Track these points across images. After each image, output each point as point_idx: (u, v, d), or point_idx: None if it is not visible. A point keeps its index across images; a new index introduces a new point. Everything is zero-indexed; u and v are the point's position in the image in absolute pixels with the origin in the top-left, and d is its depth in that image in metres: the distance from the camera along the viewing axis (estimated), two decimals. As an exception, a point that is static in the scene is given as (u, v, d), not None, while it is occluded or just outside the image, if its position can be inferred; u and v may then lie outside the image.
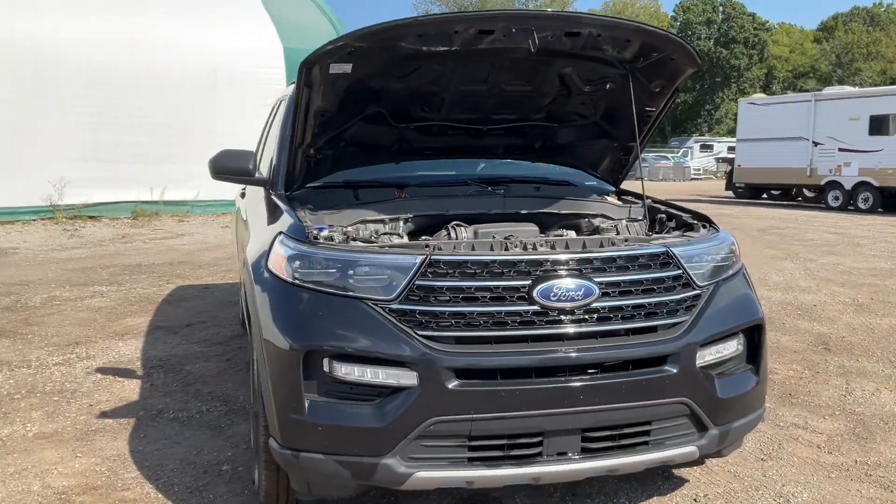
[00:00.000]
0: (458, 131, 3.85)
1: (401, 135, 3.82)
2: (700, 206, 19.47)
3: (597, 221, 3.85)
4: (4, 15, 15.39)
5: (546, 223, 3.90)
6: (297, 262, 2.95)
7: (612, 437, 2.96)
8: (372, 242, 3.21)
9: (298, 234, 3.10)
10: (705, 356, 3.07)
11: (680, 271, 3.07)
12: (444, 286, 2.84)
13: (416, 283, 2.84)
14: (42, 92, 15.40)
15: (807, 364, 5.67)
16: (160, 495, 3.53)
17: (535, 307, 2.84)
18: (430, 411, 2.78)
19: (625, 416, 2.92)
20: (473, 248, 3.02)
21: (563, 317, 2.88)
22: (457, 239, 3.37)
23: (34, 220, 16.52)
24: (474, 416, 2.79)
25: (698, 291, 3.11)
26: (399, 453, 2.80)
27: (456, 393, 2.78)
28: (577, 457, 2.93)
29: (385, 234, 3.45)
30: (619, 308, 2.94)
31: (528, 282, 2.85)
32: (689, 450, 3.06)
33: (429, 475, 2.83)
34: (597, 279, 2.92)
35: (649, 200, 4.06)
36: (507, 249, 3.03)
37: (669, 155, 45.48)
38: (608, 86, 3.68)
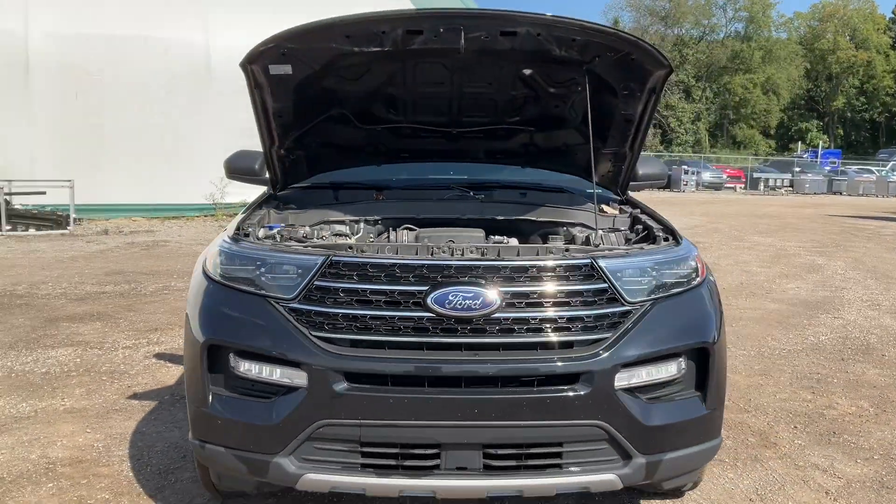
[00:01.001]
0: (439, 135, 3.80)
1: (385, 138, 3.82)
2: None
3: (574, 231, 3.66)
4: (175, 23, 16.86)
5: (525, 231, 3.76)
6: (221, 258, 3.03)
7: (517, 456, 2.81)
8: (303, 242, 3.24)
9: (236, 231, 3.20)
10: (629, 378, 2.85)
11: (605, 285, 2.87)
12: (341, 288, 2.82)
13: (316, 283, 2.84)
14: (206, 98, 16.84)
15: (878, 402, 5.08)
16: (130, 474, 3.73)
17: (430, 314, 2.76)
18: (318, 413, 2.77)
19: (530, 434, 2.77)
20: (377, 251, 2.97)
21: (459, 326, 2.77)
22: (395, 242, 3.32)
23: (197, 216, 17.93)
24: (363, 421, 2.75)
25: (627, 308, 2.89)
26: (292, 453, 2.80)
27: (344, 397, 2.75)
28: (478, 473, 2.80)
29: (336, 234, 3.46)
30: (525, 320, 2.79)
31: (425, 288, 2.77)
32: (608, 478, 2.85)
33: (319, 478, 2.82)
34: (502, 288, 2.78)
35: (637, 210, 3.82)
36: (416, 254, 2.96)
37: (874, 168, 41.60)
38: (578, 88, 3.50)
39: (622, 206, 3.95)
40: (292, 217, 3.64)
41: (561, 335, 2.81)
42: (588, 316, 2.83)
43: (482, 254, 3.03)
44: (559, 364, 2.78)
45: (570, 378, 2.78)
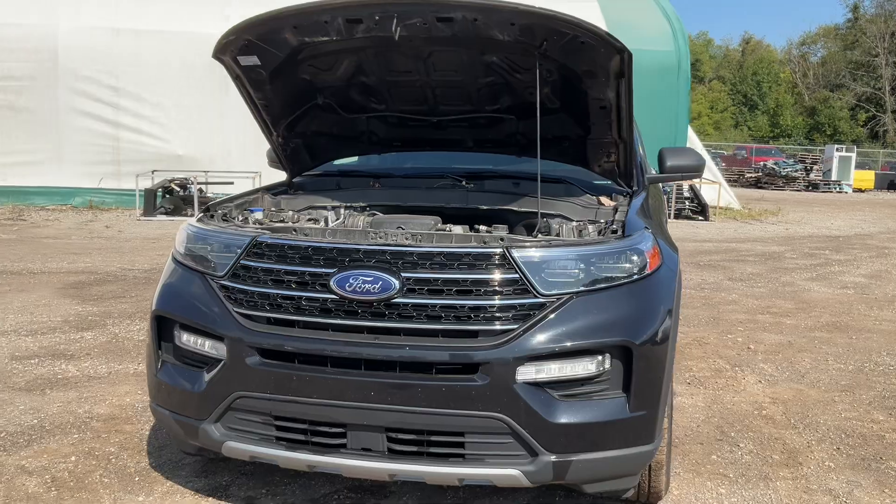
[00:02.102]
0: (424, 124, 3.83)
1: (375, 127, 3.91)
2: None
3: (554, 222, 3.56)
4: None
5: (510, 220, 3.71)
6: (181, 237, 3.27)
7: (419, 443, 2.82)
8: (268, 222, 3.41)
9: (204, 212, 3.45)
10: (536, 372, 2.76)
11: (516, 275, 2.79)
12: (261, 267, 2.96)
13: (242, 262, 3.00)
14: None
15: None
16: (146, 433, 4.10)
17: (334, 296, 2.83)
18: (235, 385, 2.94)
19: (430, 421, 2.77)
20: (296, 232, 3.07)
21: (360, 309, 2.82)
22: (351, 226, 3.40)
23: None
24: (273, 396, 2.88)
25: (540, 300, 2.79)
26: (218, 421, 2.99)
27: (257, 371, 2.89)
28: (382, 456, 2.85)
29: (311, 219, 3.60)
30: (425, 307, 2.78)
31: (332, 270, 2.85)
32: (512, 473, 2.78)
33: (239, 446, 2.98)
34: (406, 274, 2.80)
35: (624, 202, 3.64)
36: (332, 237, 3.04)
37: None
38: (545, 75, 3.39)
39: (621, 198, 3.76)
40: (284, 202, 3.82)
41: (463, 324, 2.77)
42: (492, 306, 2.77)
43: (416, 240, 3.04)
44: (457, 353, 2.75)
45: (469, 368, 2.75)
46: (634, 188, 3.93)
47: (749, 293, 8.63)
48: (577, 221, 3.51)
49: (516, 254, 2.81)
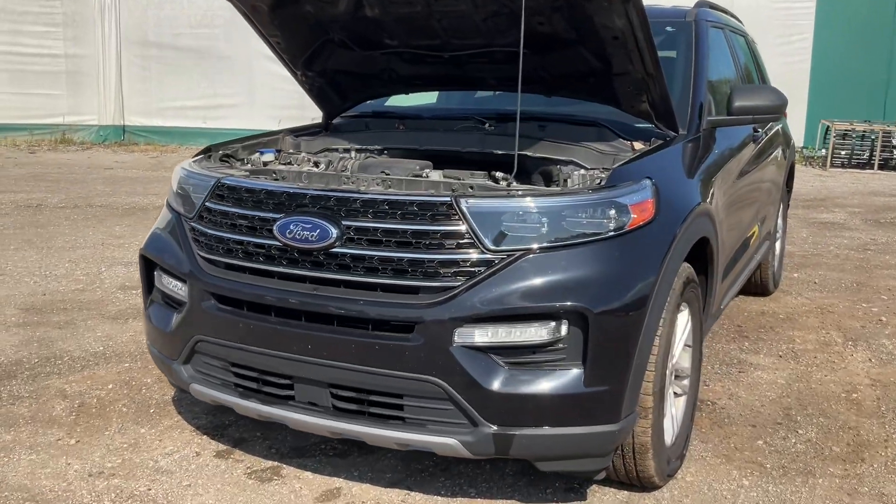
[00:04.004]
0: (440, 60, 3.54)
1: (393, 64, 3.67)
2: None
3: (566, 169, 3.20)
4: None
5: (528, 167, 3.40)
6: (174, 178, 3.28)
7: (360, 401, 2.68)
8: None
9: (202, 152, 3.43)
10: (478, 335, 2.51)
11: (462, 227, 2.53)
12: (219, 210, 2.90)
13: (206, 203, 2.96)
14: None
15: None
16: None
17: (277, 243, 2.72)
18: (196, 329, 2.94)
19: (368, 381, 2.63)
20: (255, 175, 2.97)
21: (301, 258, 2.69)
22: (338, 169, 3.25)
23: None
24: (226, 342, 2.85)
25: (487, 256, 2.52)
26: (187, 362, 3.01)
27: (212, 316, 2.87)
28: (326, 412, 2.74)
29: (315, 162, 3.47)
30: (363, 258, 2.60)
31: (279, 216, 2.73)
32: (449, 442, 2.58)
33: (202, 389, 2.99)
34: (345, 222, 2.62)
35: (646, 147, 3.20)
36: (283, 179, 2.92)
37: None
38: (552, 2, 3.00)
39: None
40: (304, 144, 3.73)
41: (402, 279, 2.57)
42: (432, 261, 2.53)
43: (362, 185, 2.86)
44: (390, 310, 2.55)
45: (404, 326, 2.54)
46: (682, 132, 3.45)
47: (919, 258, 7.54)
48: (590, 169, 3.13)
49: (465, 204, 2.54)
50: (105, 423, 3.56)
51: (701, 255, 3.20)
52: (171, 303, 3.10)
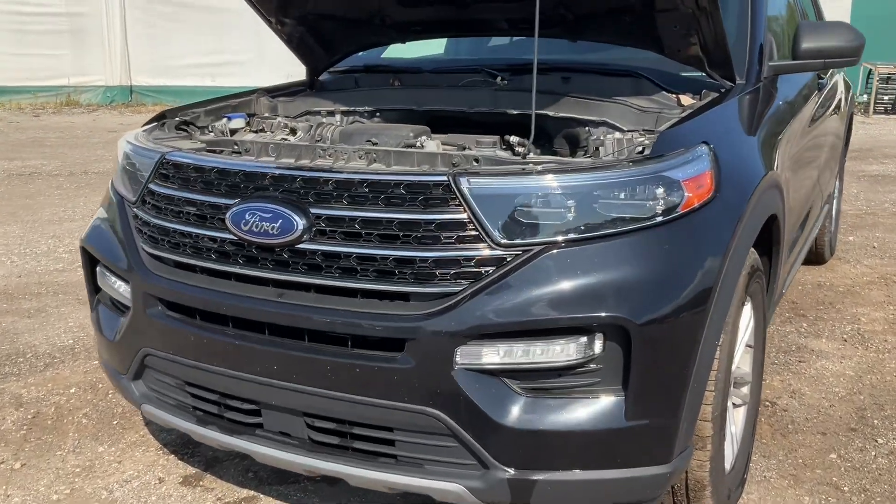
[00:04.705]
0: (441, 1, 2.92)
1: (386, 7, 3.05)
2: None
3: (597, 132, 2.58)
4: None
5: (548, 128, 2.78)
6: (119, 153, 2.70)
7: (342, 434, 2.12)
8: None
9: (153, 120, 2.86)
10: (486, 354, 1.93)
11: (464, 215, 1.93)
12: (163, 193, 2.33)
13: (150, 186, 2.39)
14: None
15: None
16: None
17: (231, 236, 2.14)
18: (141, 339, 2.40)
19: (350, 410, 2.06)
20: (212, 147, 2.39)
21: (260, 255, 2.11)
22: (321, 138, 2.65)
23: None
24: (177, 357, 2.30)
25: (499, 252, 1.93)
26: (139, 378, 2.48)
27: (159, 325, 2.32)
28: (302, 445, 2.19)
29: (290, 129, 2.86)
30: (337, 256, 2.02)
31: (233, 201, 2.15)
32: (452, 487, 2.02)
33: (154, 411, 2.46)
34: (315, 210, 2.04)
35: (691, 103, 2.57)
36: (245, 152, 2.34)
37: None
38: None
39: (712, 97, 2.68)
40: (281, 106, 3.13)
41: (386, 282, 1.99)
42: (425, 259, 1.94)
43: (338, 160, 2.29)
44: (373, 323, 1.97)
45: (392, 344, 1.97)
46: (740, 81, 2.81)
47: None
48: (627, 131, 2.51)
49: (466, 184, 1.94)
50: (59, 439, 3.05)
51: (765, 234, 2.58)
52: (118, 306, 2.55)
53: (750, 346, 2.63)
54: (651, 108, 2.56)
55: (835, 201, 5.26)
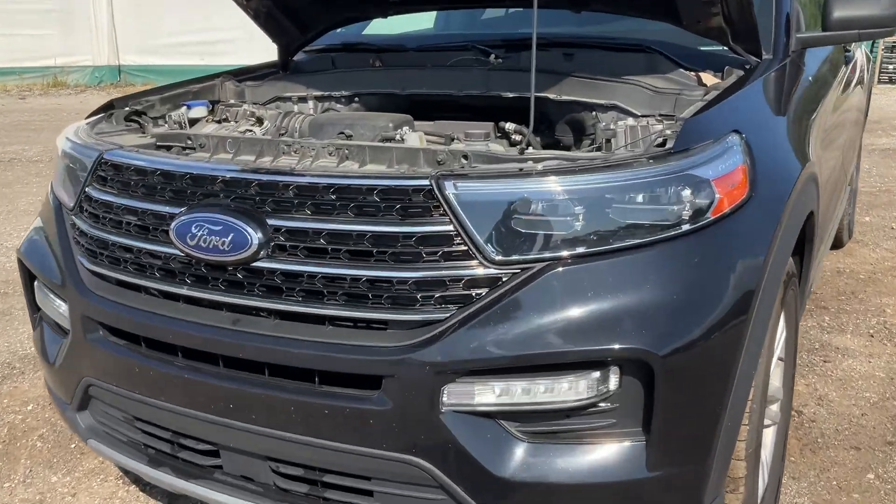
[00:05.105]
0: None
1: None
2: None
3: (605, 117, 2.25)
4: None
5: (550, 113, 2.44)
6: (60, 150, 2.37)
7: (312, 482, 1.81)
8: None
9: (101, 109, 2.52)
10: (481, 393, 1.61)
11: (449, 227, 1.61)
12: (100, 200, 2.01)
13: (87, 190, 2.06)
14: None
15: None
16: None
17: (177, 251, 1.81)
18: (83, 368, 2.09)
19: (319, 457, 1.75)
20: (162, 143, 2.07)
21: (211, 275, 1.79)
22: (286, 130, 2.32)
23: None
24: (121, 389, 1.98)
25: (493, 271, 1.60)
26: (84, 408, 2.17)
27: (101, 352, 2.00)
28: (268, 492, 1.88)
29: (257, 118, 2.52)
30: (300, 276, 1.69)
31: (179, 210, 1.82)
32: (439, 551, 1.70)
33: (101, 447, 2.16)
34: (273, 221, 1.71)
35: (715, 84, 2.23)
36: (200, 148, 2.02)
37: None
38: None
39: (735, 75, 2.34)
40: (250, 92, 2.79)
41: (358, 308, 1.67)
42: (405, 280, 1.62)
43: (339, 156, 1.95)
44: (345, 356, 1.65)
45: (367, 381, 1.65)
46: (766, 56, 2.47)
47: None
48: (641, 117, 2.17)
49: (451, 190, 1.61)
50: (10, 466, 2.75)
51: (800, 233, 2.25)
52: (59, 327, 2.23)
53: (781, 360, 2.31)
54: (668, 89, 2.23)
55: (855, 181, 4.93)
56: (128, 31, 15.02)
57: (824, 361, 3.40)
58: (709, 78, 2.38)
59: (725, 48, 2.46)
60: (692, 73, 2.40)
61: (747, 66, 2.41)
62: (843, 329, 3.73)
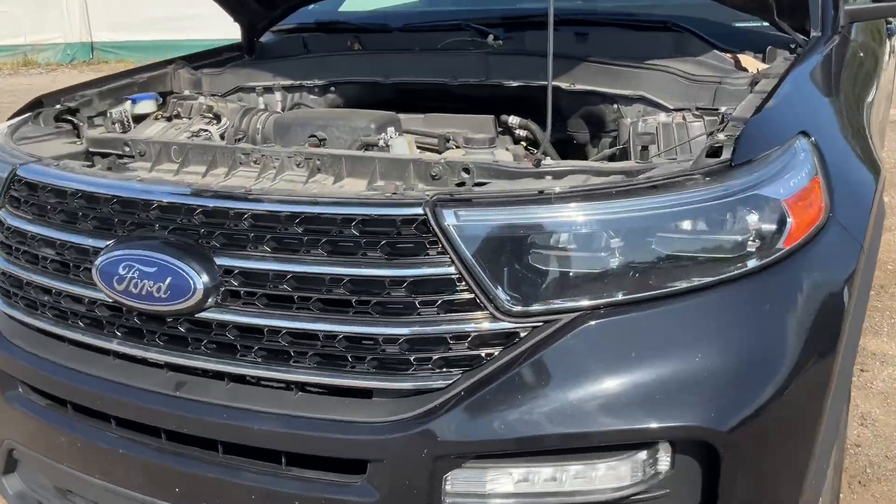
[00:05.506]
0: None
1: None
2: None
3: (631, 111, 1.87)
4: None
5: (562, 107, 2.06)
6: None
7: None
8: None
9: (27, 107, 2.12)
10: (494, 481, 1.25)
11: (451, 268, 1.23)
12: (13, 227, 1.62)
13: (-1, 214, 1.67)
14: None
15: None
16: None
17: (104, 296, 1.43)
18: (4, 429, 1.70)
19: None
20: (96, 148, 1.71)
21: (146, 327, 1.41)
22: (244, 134, 1.93)
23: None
24: (46, 458, 1.61)
25: (506, 324, 1.24)
26: (9, 473, 1.80)
27: (20, 414, 1.62)
28: None
29: (213, 114, 2.13)
30: (258, 332, 1.32)
31: (102, 244, 1.44)
32: None
33: (32, 520, 1.77)
34: (221, 260, 1.34)
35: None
36: (140, 156, 1.64)
37: None
38: None
39: (782, 58, 1.97)
40: (208, 81, 2.39)
41: (334, 372, 1.29)
42: (394, 338, 1.25)
43: (309, 167, 1.57)
44: (318, 433, 1.28)
45: (347, 465, 1.29)
46: (815, 34, 2.09)
47: None
48: (674, 111, 1.80)
49: (451, 220, 1.23)
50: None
51: None
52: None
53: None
54: (705, 77, 1.85)
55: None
56: (100, 6, 14.44)
57: (861, 370, 3.06)
58: (749, 61, 2.00)
59: (766, 24, 2.08)
60: (729, 55, 2.02)
61: (792, 46, 2.03)
62: (876, 330, 3.39)
